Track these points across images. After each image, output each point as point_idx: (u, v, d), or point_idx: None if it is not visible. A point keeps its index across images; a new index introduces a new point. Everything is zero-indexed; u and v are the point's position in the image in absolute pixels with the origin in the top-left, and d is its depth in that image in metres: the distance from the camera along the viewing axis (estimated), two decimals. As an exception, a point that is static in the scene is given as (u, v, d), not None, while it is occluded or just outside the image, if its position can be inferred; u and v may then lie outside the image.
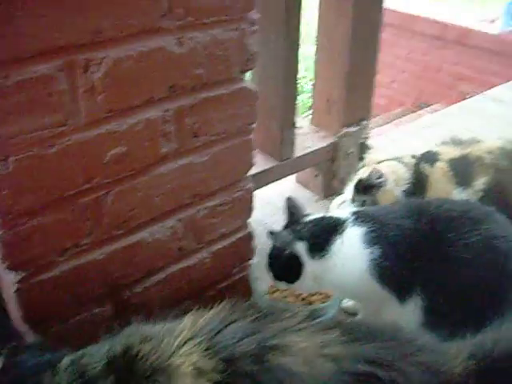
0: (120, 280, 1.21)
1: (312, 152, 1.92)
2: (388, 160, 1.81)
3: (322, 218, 1.39)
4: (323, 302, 1.53)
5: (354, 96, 1.95)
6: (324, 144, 1.97)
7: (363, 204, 1.77)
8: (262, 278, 1.54)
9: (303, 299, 1.56)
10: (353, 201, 1.82)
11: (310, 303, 1.54)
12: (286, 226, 1.42)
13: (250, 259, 1.52)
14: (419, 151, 1.82)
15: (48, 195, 1.01)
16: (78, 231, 1.09)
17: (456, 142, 1.83)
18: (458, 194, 1.68)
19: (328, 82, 1.93)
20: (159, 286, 1.30)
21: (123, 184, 1.11)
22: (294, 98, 1.79)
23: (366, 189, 1.77)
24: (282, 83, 1.71)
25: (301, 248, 1.35)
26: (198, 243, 1.34)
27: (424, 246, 1.26)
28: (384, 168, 1.75)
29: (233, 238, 1.43)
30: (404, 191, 1.73)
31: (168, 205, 1.22)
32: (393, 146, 2.32)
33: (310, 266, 1.35)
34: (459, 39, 4.51)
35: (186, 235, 1.30)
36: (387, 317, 1.35)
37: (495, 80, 4.35)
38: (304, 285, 1.40)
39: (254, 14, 1.15)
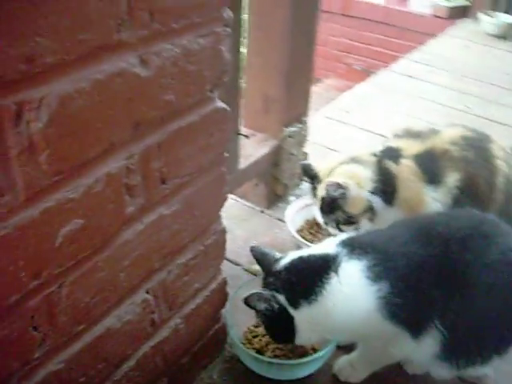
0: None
1: (257, 160, 1.66)
2: (341, 165, 1.61)
3: (300, 260, 1.16)
4: (313, 349, 1.31)
5: (294, 92, 1.72)
6: (267, 149, 1.72)
7: (338, 222, 1.58)
8: (237, 320, 1.28)
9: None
10: (326, 223, 1.62)
11: (291, 350, 1.30)
12: (265, 281, 1.18)
13: (223, 307, 1.25)
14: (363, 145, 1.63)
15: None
16: (26, 346, 0.75)
17: (412, 135, 1.68)
18: (430, 193, 1.53)
19: (265, 80, 1.67)
20: (131, 374, 0.99)
21: (80, 268, 0.78)
22: (238, 102, 1.51)
23: (331, 206, 1.57)
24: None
25: (283, 301, 1.11)
26: (171, 309, 1.05)
27: (439, 274, 1.07)
28: (338, 177, 1.56)
29: (206, 292, 1.15)
30: (372, 192, 1.55)
31: (136, 277, 0.91)
32: (323, 136, 2.13)
33: (300, 316, 1.11)
34: (343, 11, 4.46)
35: (157, 305, 1.00)
36: (396, 352, 1.16)
37: (383, 51, 4.38)
38: (304, 339, 1.17)
39: (227, 12, 0.86)
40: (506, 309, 1.12)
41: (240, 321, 1.30)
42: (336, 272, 1.09)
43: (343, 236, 1.18)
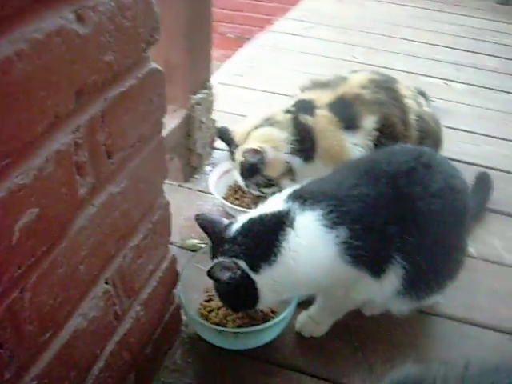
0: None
1: (169, 133, 1.57)
2: (256, 128, 1.59)
3: (253, 222, 1.12)
4: (273, 312, 1.28)
5: (196, 56, 1.64)
6: (178, 120, 1.63)
7: (259, 185, 1.56)
8: (188, 299, 1.22)
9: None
10: (247, 187, 1.60)
11: (252, 317, 1.27)
12: (214, 250, 1.12)
13: (175, 287, 1.18)
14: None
15: None
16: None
17: (321, 85, 1.69)
18: (350, 139, 1.55)
19: (164, 44, 1.57)
20: (102, 376, 0.90)
21: (40, 266, 0.67)
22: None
23: (250, 171, 1.55)
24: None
25: (244, 266, 1.07)
26: (130, 297, 0.96)
27: (392, 210, 1.09)
28: (254, 141, 1.54)
29: (159, 272, 1.07)
30: (289, 153, 1.55)
31: (95, 267, 0.81)
32: (224, 102, 2.07)
33: (262, 279, 1.08)
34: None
35: (117, 295, 0.91)
36: (358, 297, 1.18)
37: (256, 16, 4.38)
38: (267, 301, 1.14)
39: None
40: (455, 233, 1.18)
41: (191, 299, 1.24)
42: (292, 227, 1.07)
43: (289, 190, 1.16)
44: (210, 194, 1.67)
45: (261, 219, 1.10)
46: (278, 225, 1.08)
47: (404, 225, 1.09)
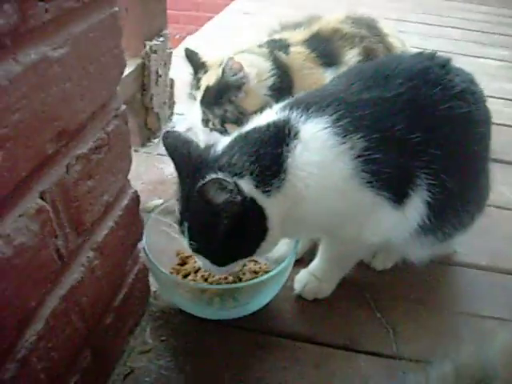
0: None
1: (122, 83, 1.30)
2: (236, 54, 1.34)
3: (245, 135, 0.86)
4: (261, 268, 1.02)
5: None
6: (131, 68, 1.37)
7: (225, 118, 1.28)
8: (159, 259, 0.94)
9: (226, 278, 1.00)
10: (205, 122, 1.31)
11: (240, 277, 1.00)
12: (190, 182, 0.83)
13: (140, 238, 0.91)
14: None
15: None
16: None
17: (291, 26, 1.47)
18: (331, 76, 1.33)
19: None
20: (42, 346, 0.61)
21: None
22: None
23: (223, 93, 1.27)
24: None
25: (247, 187, 0.80)
26: (79, 234, 0.68)
27: (413, 114, 0.86)
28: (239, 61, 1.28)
29: (118, 210, 0.80)
30: (270, 88, 1.30)
31: (23, 164, 0.54)
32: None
33: (272, 206, 0.82)
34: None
35: (60, 223, 0.63)
36: (374, 235, 0.93)
37: (202, 15, 4.17)
38: (272, 242, 0.87)
39: None
40: (482, 149, 0.97)
41: (160, 264, 0.95)
42: (297, 138, 0.82)
43: (283, 102, 0.91)
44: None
45: (255, 132, 0.85)
46: (279, 137, 0.83)
47: (427, 133, 0.86)
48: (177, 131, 0.90)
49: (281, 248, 1.01)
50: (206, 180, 0.75)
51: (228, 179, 0.76)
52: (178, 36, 4.33)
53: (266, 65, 1.29)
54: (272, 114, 0.88)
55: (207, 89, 1.27)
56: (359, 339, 0.95)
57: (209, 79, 1.28)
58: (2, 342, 0.55)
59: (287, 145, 0.82)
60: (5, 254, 0.53)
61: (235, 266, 0.89)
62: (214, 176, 0.75)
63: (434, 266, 1.09)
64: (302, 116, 0.84)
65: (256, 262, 1.04)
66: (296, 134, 0.83)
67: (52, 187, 0.60)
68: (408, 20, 2.85)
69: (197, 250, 0.86)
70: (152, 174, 1.39)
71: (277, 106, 0.90)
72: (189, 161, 0.84)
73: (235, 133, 0.87)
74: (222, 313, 0.94)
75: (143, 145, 1.51)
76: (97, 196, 0.71)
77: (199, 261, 0.89)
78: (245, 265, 1.02)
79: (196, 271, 1.00)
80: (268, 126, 0.84)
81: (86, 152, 0.67)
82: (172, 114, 1.65)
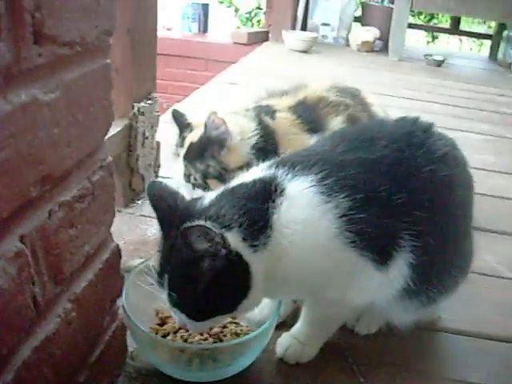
0: None
1: (108, 142, 1.32)
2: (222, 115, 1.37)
3: (231, 190, 0.87)
4: (242, 330, 0.99)
5: (140, 62, 1.45)
6: (118, 128, 1.39)
7: (206, 174, 1.28)
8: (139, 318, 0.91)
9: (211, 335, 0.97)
10: (187, 177, 1.31)
11: (221, 339, 0.97)
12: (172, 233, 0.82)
13: (119, 295, 0.88)
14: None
15: None
16: None
17: (278, 93, 1.52)
18: (316, 143, 1.36)
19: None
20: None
21: None
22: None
23: (205, 149, 1.28)
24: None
25: (234, 241, 0.80)
26: (57, 283, 0.66)
27: (397, 176, 0.88)
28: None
29: (98, 263, 0.78)
30: (253, 147, 1.32)
31: (5, 202, 0.53)
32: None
33: (257, 262, 0.81)
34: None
35: (38, 270, 0.61)
36: (358, 297, 0.92)
37: (189, 85, 4.29)
38: (255, 300, 0.85)
39: None
40: (467, 211, 0.98)
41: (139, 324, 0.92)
42: (283, 196, 0.82)
43: (270, 161, 0.92)
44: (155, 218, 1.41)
45: (242, 187, 0.85)
46: (265, 193, 0.83)
47: (411, 195, 0.87)
48: (162, 182, 0.90)
49: (263, 311, 0.99)
50: (193, 224, 0.74)
51: (215, 230, 0.75)
52: (165, 105, 4.45)
53: (250, 125, 1.32)
54: (258, 172, 0.89)
55: (191, 145, 1.29)
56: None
57: (193, 137, 1.30)
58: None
59: (273, 201, 0.83)
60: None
61: (213, 323, 0.87)
62: (201, 223, 0.75)
63: (418, 331, 1.08)
64: (288, 174, 0.85)
65: (237, 324, 1.01)
66: (282, 191, 0.83)
67: (32, 232, 0.59)
68: (390, 94, 2.95)
69: (175, 303, 0.83)
70: (134, 234, 1.37)
71: (263, 165, 0.91)
72: (174, 211, 0.83)
73: (221, 188, 0.88)
74: (202, 375, 0.90)
75: (126, 205, 1.50)
76: (78, 246, 0.70)
77: (175, 316, 0.86)
78: (226, 326, 0.99)
79: (175, 332, 0.97)
80: (254, 182, 0.85)
81: (69, 199, 0.66)
82: (157, 176, 1.66)
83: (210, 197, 0.85)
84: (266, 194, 0.83)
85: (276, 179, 0.85)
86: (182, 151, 1.31)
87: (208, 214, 0.80)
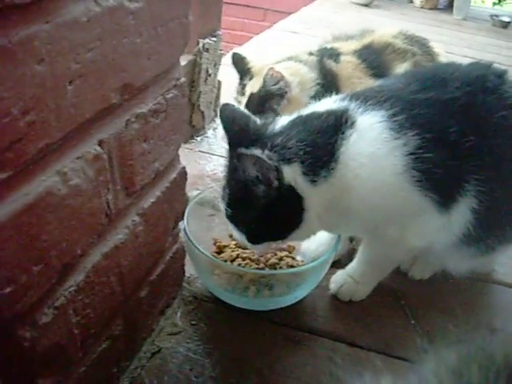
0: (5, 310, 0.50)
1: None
2: (281, 62, 1.36)
3: (303, 119, 0.86)
4: (298, 264, 1.00)
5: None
6: (183, 62, 1.39)
7: None
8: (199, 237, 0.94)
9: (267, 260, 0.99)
10: None
11: (279, 262, 0.99)
12: (239, 149, 0.80)
13: (181, 218, 0.91)
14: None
15: None
16: None
17: (344, 37, 1.48)
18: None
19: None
20: (79, 299, 0.61)
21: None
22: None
23: (263, 102, 1.28)
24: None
25: (292, 174, 0.80)
26: (128, 193, 0.68)
27: (467, 119, 0.85)
28: (282, 70, 1.29)
29: (166, 182, 0.80)
30: (313, 96, 1.30)
31: (87, 105, 0.54)
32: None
33: (314, 197, 0.82)
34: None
35: (112, 177, 0.63)
36: (416, 239, 0.90)
37: (246, 35, 4.23)
38: (307, 231, 0.86)
39: None
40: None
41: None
42: (353, 128, 0.82)
43: (342, 94, 0.91)
44: (214, 154, 1.43)
45: (314, 118, 0.85)
46: (336, 125, 0.83)
47: (480, 139, 0.84)
48: (235, 105, 0.91)
49: (320, 247, 1.00)
50: (247, 152, 0.76)
51: (269, 162, 0.76)
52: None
53: (311, 74, 1.30)
54: (330, 103, 0.88)
55: (251, 95, 1.29)
56: (394, 342, 0.92)
57: (253, 86, 1.30)
58: (45, 283, 0.55)
59: (343, 133, 0.82)
60: (60, 191, 0.53)
61: (266, 248, 0.89)
62: (257, 153, 0.76)
63: (472, 281, 1.06)
64: (360, 107, 0.84)
65: (293, 258, 1.02)
66: (353, 123, 0.82)
67: (110, 138, 0.61)
68: (453, 53, 2.84)
69: (230, 217, 0.86)
70: (193, 168, 1.39)
71: (336, 96, 0.90)
72: (245, 133, 0.84)
73: (294, 114, 0.87)
74: (257, 302, 0.92)
75: (186, 141, 1.52)
76: (149, 161, 0.72)
77: (232, 230, 0.88)
78: (282, 259, 1.00)
79: (232, 260, 0.99)
80: (327, 113, 0.84)
81: (145, 112, 0.67)
82: (216, 115, 1.66)
83: (281, 122, 0.85)
84: (336, 126, 0.83)
85: (348, 111, 0.84)
86: (244, 100, 1.31)
87: (275, 142, 0.80)
